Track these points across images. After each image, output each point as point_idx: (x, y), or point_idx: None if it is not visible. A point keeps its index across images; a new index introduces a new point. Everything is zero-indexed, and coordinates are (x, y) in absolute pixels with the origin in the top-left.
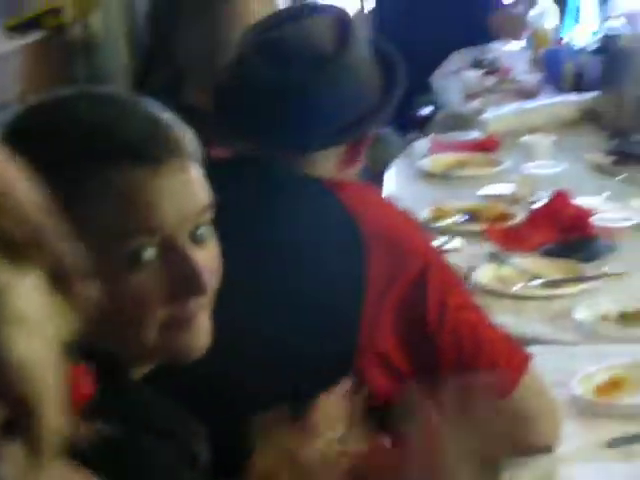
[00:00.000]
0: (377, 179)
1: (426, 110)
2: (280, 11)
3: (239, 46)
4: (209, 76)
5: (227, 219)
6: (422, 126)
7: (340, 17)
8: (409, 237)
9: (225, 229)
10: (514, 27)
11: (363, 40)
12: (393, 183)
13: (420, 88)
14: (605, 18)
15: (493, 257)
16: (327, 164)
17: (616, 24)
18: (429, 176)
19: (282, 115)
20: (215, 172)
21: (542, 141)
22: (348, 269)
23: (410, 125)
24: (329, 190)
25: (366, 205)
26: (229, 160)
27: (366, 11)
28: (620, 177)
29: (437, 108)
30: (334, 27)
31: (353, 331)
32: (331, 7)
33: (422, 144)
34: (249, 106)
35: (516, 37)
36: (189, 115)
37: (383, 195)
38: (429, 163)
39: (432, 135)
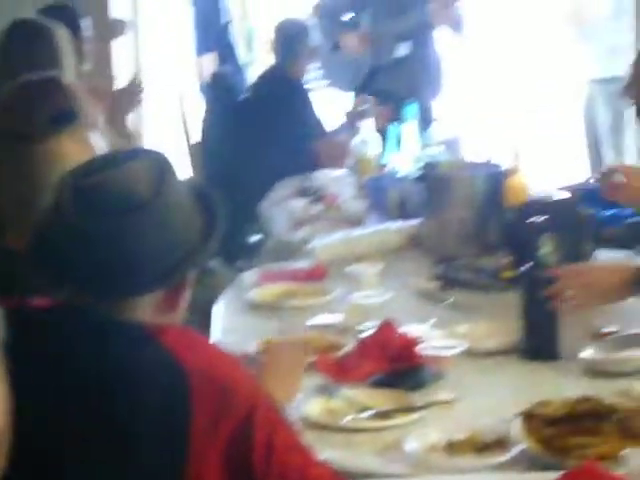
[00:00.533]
0: (206, 313)
1: (255, 238)
2: (99, 157)
3: (56, 191)
4: (26, 221)
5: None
6: (251, 255)
7: (158, 162)
8: (234, 379)
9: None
10: (337, 155)
11: (180, 184)
12: (221, 316)
13: (249, 216)
14: (425, 145)
15: (322, 390)
16: (147, 309)
17: (436, 151)
18: (258, 307)
19: (97, 263)
20: (34, 322)
21: (368, 270)
22: (172, 413)
23: (239, 254)
24: (150, 335)
25: (189, 348)
26: (48, 309)
27: (192, 142)
28: (446, 303)
29: (265, 237)
30: (151, 173)
31: (178, 473)
32: (150, 152)
33: (250, 274)
34: (64, 254)
35: (340, 165)
36: (9, 261)
37: (211, 331)
38: (257, 294)
39: (260, 265)
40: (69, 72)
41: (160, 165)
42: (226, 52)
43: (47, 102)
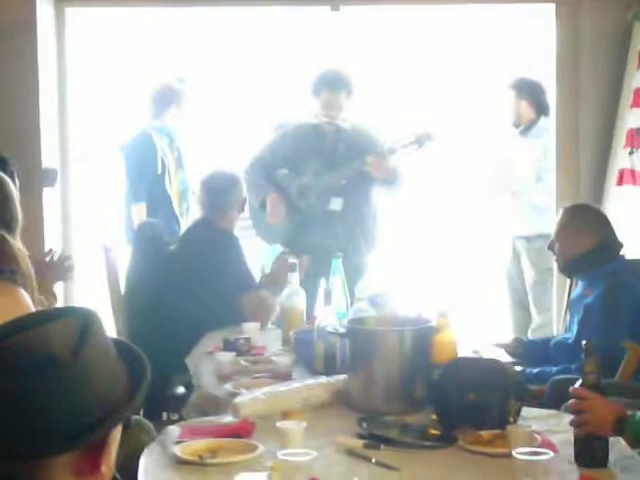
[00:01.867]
0: (128, 468)
1: (180, 390)
2: (20, 318)
3: None
4: None
5: None
6: (176, 407)
7: (82, 320)
8: None
9: None
10: (263, 309)
11: (105, 340)
12: (145, 472)
13: (175, 368)
14: (352, 300)
15: None
16: (63, 471)
17: (363, 306)
18: (181, 463)
19: (12, 424)
20: None
21: (294, 427)
22: None
23: (164, 406)
24: None
25: None
26: None
27: (118, 293)
28: (372, 460)
29: (191, 389)
30: (73, 332)
31: None
32: (75, 310)
33: (175, 428)
34: None
35: (266, 318)
36: None
37: None
38: (181, 449)
39: (186, 418)
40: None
41: (83, 323)
42: (159, 203)
43: None
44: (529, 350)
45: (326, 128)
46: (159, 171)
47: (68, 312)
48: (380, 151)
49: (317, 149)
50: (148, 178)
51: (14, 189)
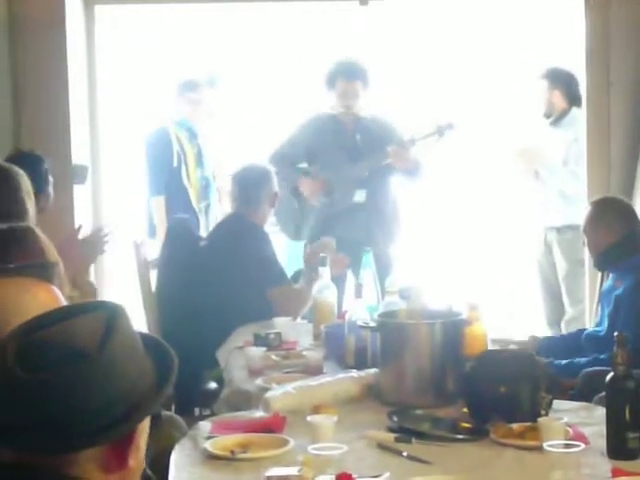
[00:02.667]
0: (161, 462)
1: (212, 386)
2: (48, 312)
3: (6, 339)
4: None
5: None
6: (208, 403)
7: (109, 314)
8: None
9: None
10: (295, 303)
11: (133, 334)
12: (177, 467)
13: (206, 363)
14: (383, 293)
15: None
16: (91, 465)
17: (394, 300)
18: (212, 458)
19: (37, 418)
20: None
21: (325, 421)
22: None
23: (196, 401)
24: None
25: None
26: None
27: (149, 288)
28: (403, 454)
29: (222, 384)
30: (98, 326)
31: None
32: (102, 304)
33: (206, 424)
34: (5, 411)
35: (297, 312)
36: None
37: None
38: (212, 445)
39: (217, 413)
40: (31, 217)
41: (110, 317)
42: (177, 195)
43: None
44: (545, 347)
45: (344, 118)
46: (175, 164)
47: (95, 307)
48: (400, 141)
49: (336, 140)
50: (166, 170)
51: (26, 182)
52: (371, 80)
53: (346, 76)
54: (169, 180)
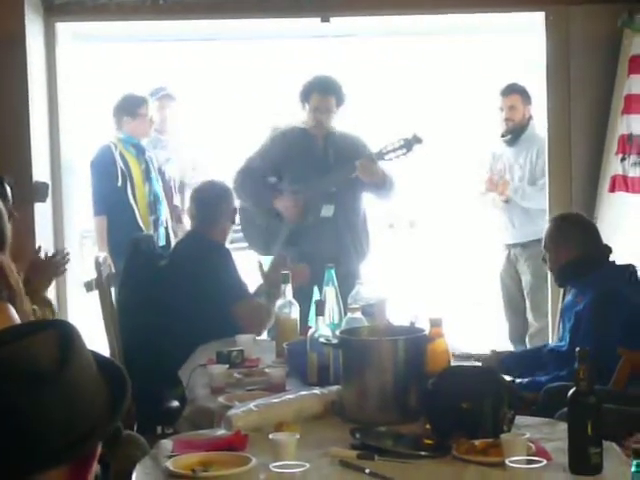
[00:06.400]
0: None
1: (175, 403)
2: (1, 330)
3: None
4: None
5: None
6: (171, 420)
7: (64, 333)
8: None
9: None
10: (257, 319)
11: (86, 354)
12: None
13: (168, 381)
14: (346, 310)
15: None
16: None
17: (356, 316)
18: (174, 477)
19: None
20: None
21: (287, 439)
22: None
23: (158, 420)
24: None
25: None
26: None
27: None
28: (366, 471)
29: (185, 402)
30: (55, 345)
31: None
32: (55, 323)
33: (168, 442)
34: None
35: (260, 329)
36: None
37: None
38: (173, 463)
39: (179, 432)
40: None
41: (64, 336)
42: (121, 215)
43: None
44: (506, 363)
45: (315, 132)
46: (119, 183)
47: (46, 325)
48: (368, 155)
49: (306, 154)
50: (109, 189)
51: (1, 206)
52: (345, 98)
53: (321, 91)
54: (114, 199)
